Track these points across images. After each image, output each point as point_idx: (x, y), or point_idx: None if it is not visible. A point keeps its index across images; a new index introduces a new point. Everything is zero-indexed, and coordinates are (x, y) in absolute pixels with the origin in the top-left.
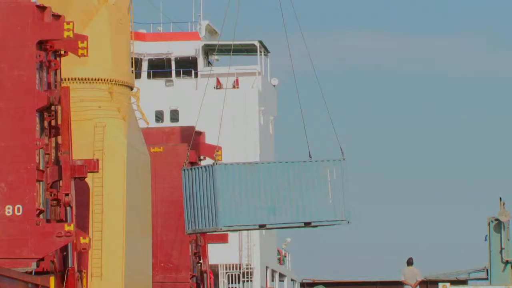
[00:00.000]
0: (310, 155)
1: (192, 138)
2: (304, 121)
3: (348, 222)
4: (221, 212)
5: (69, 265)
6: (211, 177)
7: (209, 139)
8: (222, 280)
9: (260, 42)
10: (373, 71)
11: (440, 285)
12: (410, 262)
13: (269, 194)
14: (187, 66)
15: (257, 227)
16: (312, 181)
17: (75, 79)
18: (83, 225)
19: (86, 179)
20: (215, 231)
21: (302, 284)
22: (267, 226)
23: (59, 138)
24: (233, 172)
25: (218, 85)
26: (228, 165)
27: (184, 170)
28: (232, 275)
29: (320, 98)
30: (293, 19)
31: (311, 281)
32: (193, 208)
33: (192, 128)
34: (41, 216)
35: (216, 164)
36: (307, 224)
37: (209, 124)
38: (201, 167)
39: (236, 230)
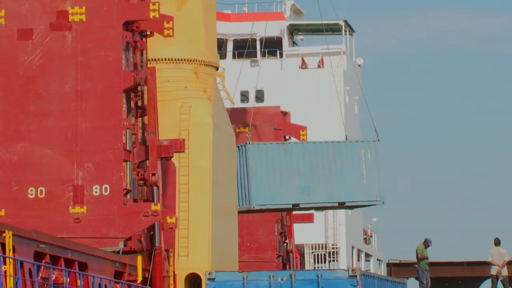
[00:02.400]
0: (346, 137)
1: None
2: (340, 104)
3: (383, 202)
4: (254, 191)
5: (156, 245)
6: (244, 157)
7: (295, 119)
8: (308, 259)
9: (345, 21)
10: (456, 51)
11: None
12: (497, 242)
13: (302, 174)
14: (272, 46)
15: (291, 206)
16: (346, 161)
17: (161, 59)
18: (169, 204)
19: (172, 159)
20: (249, 211)
21: (388, 264)
22: (301, 206)
23: (146, 118)
24: (266, 151)
25: (303, 65)
26: (261, 144)
27: None
28: (318, 254)
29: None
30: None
31: (397, 261)
32: None
33: (277, 108)
34: (128, 195)
35: (249, 143)
36: (341, 205)
37: (295, 104)
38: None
39: (269, 210)
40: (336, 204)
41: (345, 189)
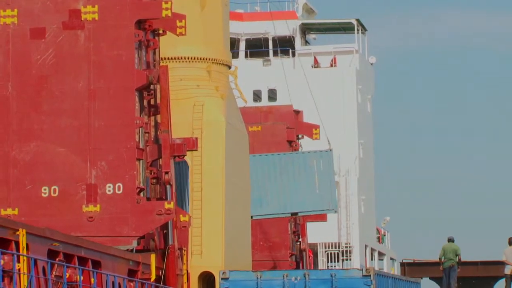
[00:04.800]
0: (301, 146)
1: None
2: (297, 112)
3: (335, 211)
4: None
5: (170, 243)
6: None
7: (307, 118)
8: (321, 258)
9: (358, 20)
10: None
11: None
12: (511, 242)
13: (255, 186)
14: (284, 46)
15: None
16: (299, 172)
17: (174, 58)
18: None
19: (185, 158)
20: None
21: (402, 264)
22: (253, 218)
23: (158, 117)
24: None
25: (316, 64)
26: None
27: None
28: (331, 253)
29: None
30: None
31: (411, 261)
32: (181, 200)
33: (290, 107)
34: (141, 194)
35: None
36: (293, 214)
37: (307, 103)
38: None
39: None
40: (289, 215)
41: (297, 199)
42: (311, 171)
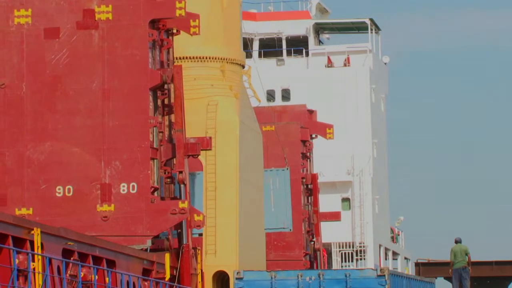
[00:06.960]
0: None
1: None
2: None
3: (291, 229)
4: None
5: (184, 242)
6: None
7: (321, 118)
8: (336, 258)
9: (371, 20)
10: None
11: None
12: None
13: None
14: (298, 45)
15: (197, 235)
16: None
17: (187, 57)
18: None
19: (199, 157)
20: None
21: (417, 264)
22: None
23: (172, 116)
24: None
25: (329, 64)
26: None
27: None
28: (345, 253)
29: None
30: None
31: (426, 261)
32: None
33: (304, 106)
34: (155, 193)
35: None
36: None
37: (321, 102)
38: None
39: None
40: None
41: None
42: (267, 189)
